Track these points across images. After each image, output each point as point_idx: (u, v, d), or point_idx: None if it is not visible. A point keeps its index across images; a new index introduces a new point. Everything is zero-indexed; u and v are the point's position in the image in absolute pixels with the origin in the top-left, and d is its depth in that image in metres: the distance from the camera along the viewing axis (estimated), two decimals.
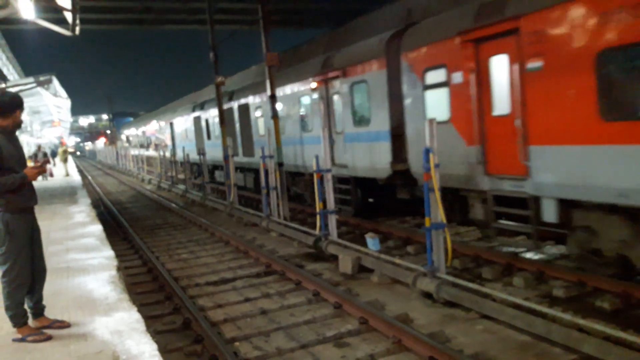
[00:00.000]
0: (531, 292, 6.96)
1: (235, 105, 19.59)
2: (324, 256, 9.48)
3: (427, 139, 6.73)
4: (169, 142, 32.27)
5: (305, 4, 22.13)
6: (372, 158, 11.10)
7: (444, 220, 6.84)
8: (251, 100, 17.97)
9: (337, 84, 12.23)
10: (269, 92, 13.00)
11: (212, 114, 22.27)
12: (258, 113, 17.45)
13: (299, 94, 14.18)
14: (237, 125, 19.53)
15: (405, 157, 10.22)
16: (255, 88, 17.77)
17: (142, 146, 53.09)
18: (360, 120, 11.59)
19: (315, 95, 13.20)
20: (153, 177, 29.66)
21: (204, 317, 6.56)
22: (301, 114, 14.38)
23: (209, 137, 23.38)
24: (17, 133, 4.92)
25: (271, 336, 6.07)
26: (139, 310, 5.52)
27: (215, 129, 21.42)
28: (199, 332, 6.06)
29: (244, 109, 18.74)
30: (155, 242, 12.19)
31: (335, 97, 12.45)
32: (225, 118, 17.70)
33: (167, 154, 30.52)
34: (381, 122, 10.73)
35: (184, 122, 28.35)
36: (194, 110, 26.15)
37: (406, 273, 7.32)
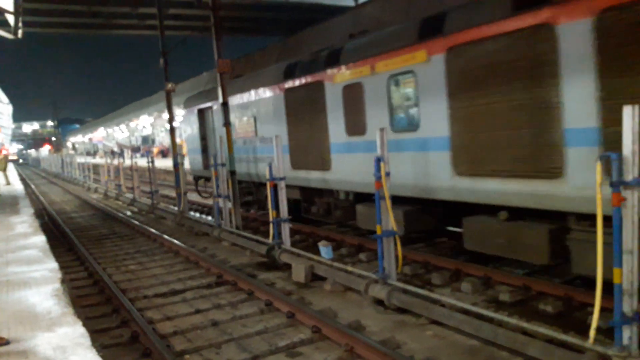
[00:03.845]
0: (479, 297, 7.14)
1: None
2: (277, 265, 9.43)
3: None
4: (193, 145, 17.08)
5: (259, 12, 22.11)
6: None
7: (395, 228, 6.95)
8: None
9: None
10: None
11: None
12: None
13: None
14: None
15: None
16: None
17: (88, 153, 51.56)
18: None
19: None
20: (100, 186, 28.76)
21: (153, 329, 6.39)
22: None
23: (352, 130, 9.72)
24: None
25: (222, 348, 5.98)
26: (85, 325, 5.34)
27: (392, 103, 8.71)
28: (147, 346, 5.90)
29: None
30: (101, 253, 11.81)
31: None
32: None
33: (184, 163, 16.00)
34: None
35: (263, 103, 12.70)
36: (288, 74, 11.54)
37: (358, 280, 7.38)
